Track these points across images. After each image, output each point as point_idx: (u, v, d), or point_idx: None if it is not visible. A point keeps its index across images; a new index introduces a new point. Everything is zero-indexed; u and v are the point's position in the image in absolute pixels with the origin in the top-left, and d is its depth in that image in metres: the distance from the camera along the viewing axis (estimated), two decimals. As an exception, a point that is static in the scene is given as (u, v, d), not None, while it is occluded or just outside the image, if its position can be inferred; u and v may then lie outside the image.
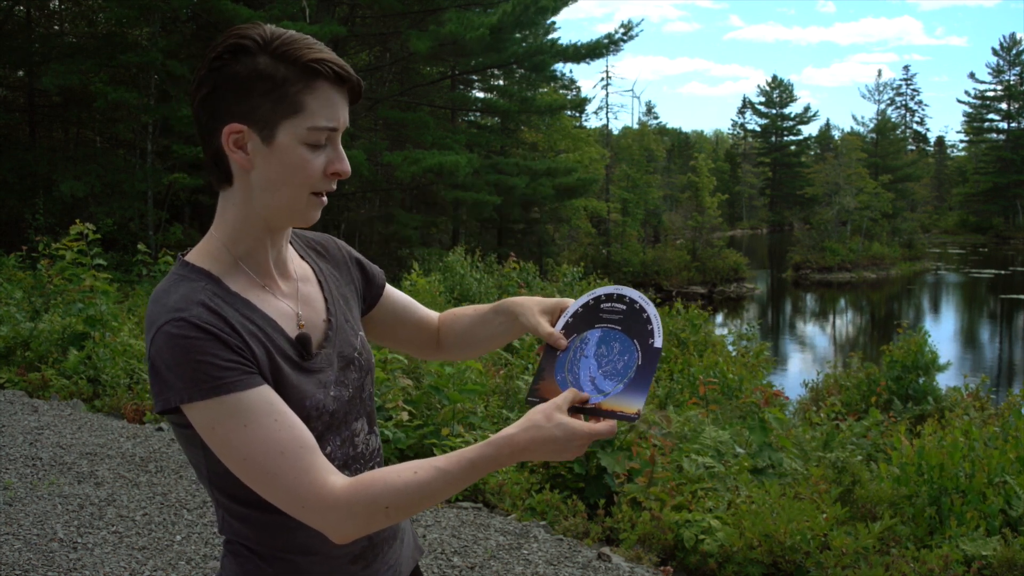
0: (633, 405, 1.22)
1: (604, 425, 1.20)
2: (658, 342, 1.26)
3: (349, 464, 1.34)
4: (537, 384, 1.34)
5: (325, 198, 1.26)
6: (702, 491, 4.37)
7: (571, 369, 1.31)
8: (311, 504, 1.14)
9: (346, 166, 1.23)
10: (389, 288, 1.54)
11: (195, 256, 1.25)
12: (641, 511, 4.26)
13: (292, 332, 1.26)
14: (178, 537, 4.09)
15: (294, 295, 1.31)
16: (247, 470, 1.14)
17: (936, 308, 30.21)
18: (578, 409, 1.24)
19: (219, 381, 1.11)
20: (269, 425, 1.13)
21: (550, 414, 1.19)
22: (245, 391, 1.13)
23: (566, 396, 1.23)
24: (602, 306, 1.35)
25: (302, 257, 1.38)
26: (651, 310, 1.30)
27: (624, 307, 1.32)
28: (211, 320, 1.14)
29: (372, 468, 1.39)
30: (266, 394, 1.15)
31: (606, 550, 4.04)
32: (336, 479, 1.16)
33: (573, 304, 1.38)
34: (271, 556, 1.27)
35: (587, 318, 1.35)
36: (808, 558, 3.81)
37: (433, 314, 1.61)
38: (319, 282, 1.36)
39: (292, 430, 1.15)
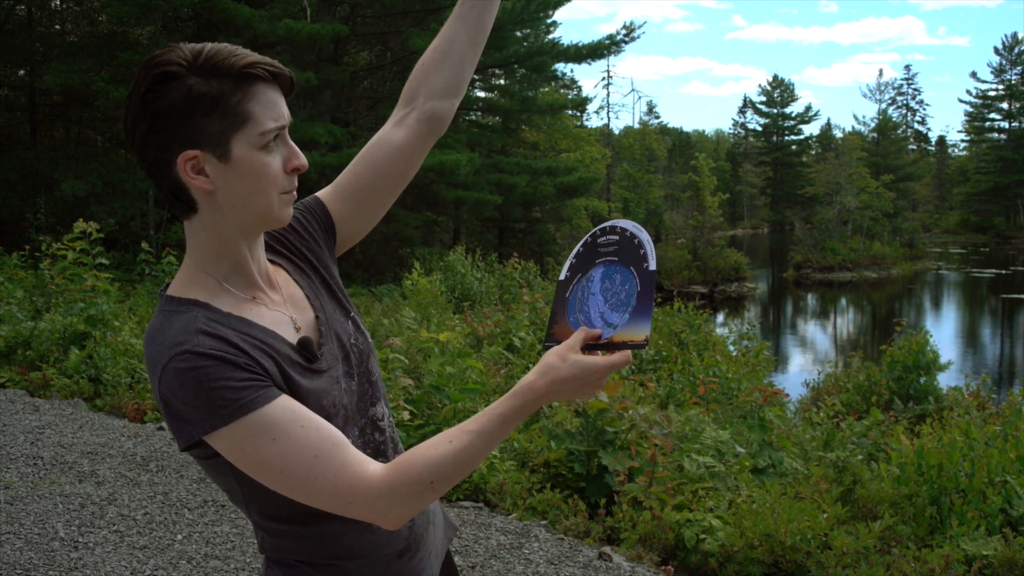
0: (640, 332, 1.24)
1: (619, 356, 1.21)
2: (652, 265, 1.28)
3: (383, 450, 1.35)
4: (552, 329, 1.36)
5: (294, 194, 1.25)
6: (703, 491, 4.37)
7: (581, 309, 1.33)
8: (357, 498, 1.14)
9: (303, 160, 1.22)
10: (330, 192, 1.47)
11: (177, 288, 1.22)
12: (642, 511, 4.26)
13: (292, 338, 1.25)
14: (179, 536, 4.10)
15: (283, 301, 1.30)
16: (286, 481, 1.14)
17: (937, 308, 30.19)
18: (593, 346, 1.26)
19: (238, 403, 1.10)
20: (297, 433, 1.13)
21: (564, 355, 1.21)
22: (265, 406, 1.12)
23: (577, 336, 1.24)
24: (599, 241, 1.36)
25: (270, 260, 1.36)
26: (643, 236, 1.31)
27: (617, 237, 1.34)
28: (215, 345, 1.12)
29: (398, 447, 1.41)
30: (286, 403, 1.15)
31: (607, 549, 4.04)
32: (374, 468, 1.16)
33: (575, 246, 1.40)
34: (319, 563, 1.28)
35: (589, 256, 1.36)
36: (809, 558, 3.81)
37: (392, 125, 1.50)
38: (294, 280, 1.35)
39: (320, 431, 1.15)
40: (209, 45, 1.18)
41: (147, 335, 1.18)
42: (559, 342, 1.31)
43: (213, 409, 1.10)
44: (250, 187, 1.19)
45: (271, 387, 1.14)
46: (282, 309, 1.28)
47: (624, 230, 1.33)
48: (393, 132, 1.48)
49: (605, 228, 1.36)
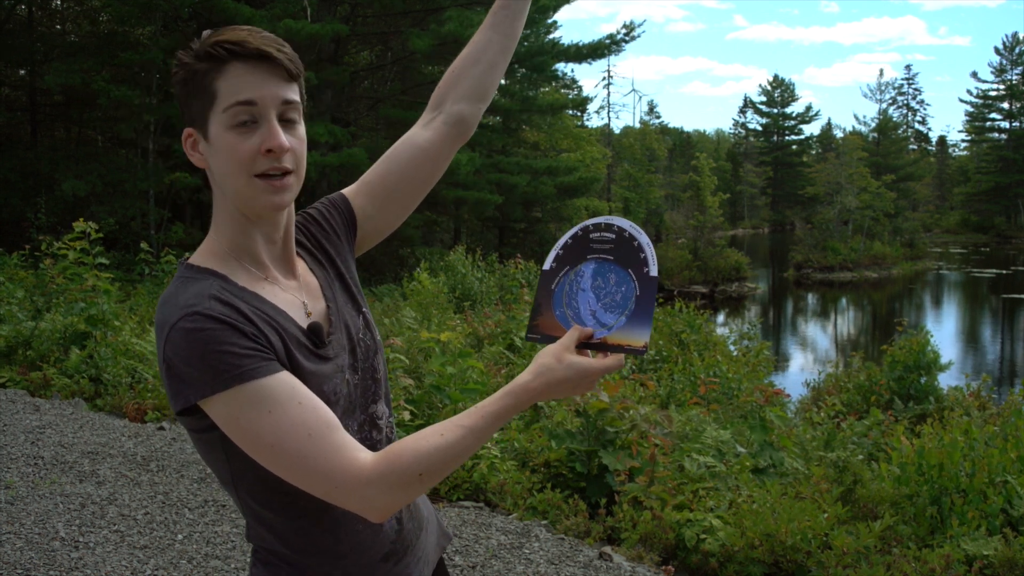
0: (640, 338, 1.23)
1: (612, 359, 1.22)
2: (653, 270, 1.26)
3: (378, 449, 1.33)
4: (535, 320, 1.33)
5: (282, 180, 1.21)
6: (703, 490, 4.36)
7: (569, 303, 1.30)
8: (345, 483, 1.13)
9: (277, 140, 1.18)
10: (354, 189, 1.48)
11: (197, 258, 1.25)
12: (642, 510, 4.26)
13: (303, 322, 1.26)
14: (179, 536, 4.10)
15: (298, 286, 1.31)
16: (276, 456, 1.13)
17: (938, 308, 30.18)
18: (585, 345, 1.25)
19: (239, 370, 1.11)
20: (293, 409, 1.13)
21: (560, 355, 1.21)
22: (265, 377, 1.12)
23: (572, 335, 1.24)
24: (591, 236, 1.33)
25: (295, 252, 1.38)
26: (642, 238, 1.28)
27: (613, 236, 1.31)
28: (225, 311, 1.13)
29: None
30: (287, 379, 1.15)
31: (607, 549, 4.04)
32: (365, 455, 1.16)
33: (563, 237, 1.36)
34: (301, 564, 1.27)
35: (578, 250, 1.33)
36: (809, 557, 3.81)
37: (419, 127, 1.51)
38: (311, 270, 1.37)
39: (317, 411, 1.15)
40: (221, 28, 1.21)
41: (161, 299, 1.19)
42: (542, 334, 1.30)
43: (214, 372, 1.10)
44: (223, 167, 1.21)
45: (274, 360, 1.15)
46: (296, 293, 1.29)
47: (622, 230, 1.31)
48: (419, 134, 1.50)
49: (600, 224, 1.33)
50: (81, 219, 8.18)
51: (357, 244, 1.47)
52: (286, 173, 1.21)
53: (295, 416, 1.13)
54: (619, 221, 1.32)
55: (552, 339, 1.29)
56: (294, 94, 1.22)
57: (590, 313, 1.27)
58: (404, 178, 1.47)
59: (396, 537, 1.35)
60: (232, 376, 1.10)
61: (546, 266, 1.35)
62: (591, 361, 1.21)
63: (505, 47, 1.53)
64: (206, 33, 1.21)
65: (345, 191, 1.48)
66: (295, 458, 1.12)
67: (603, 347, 1.24)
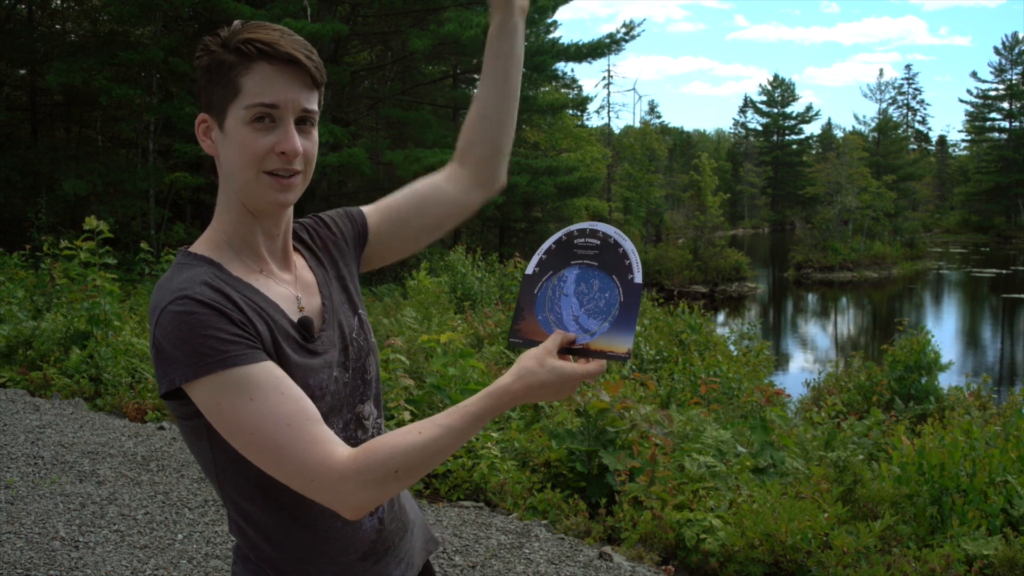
0: (622, 344, 1.22)
1: (594, 365, 1.22)
2: (638, 278, 1.25)
3: None
4: (517, 325, 1.33)
5: (289, 180, 1.24)
6: (703, 490, 4.36)
7: (552, 308, 1.30)
8: (321, 476, 1.13)
9: (292, 144, 1.22)
10: (372, 207, 1.51)
11: (196, 247, 1.28)
12: (643, 510, 4.26)
13: (294, 315, 1.27)
14: (180, 536, 4.10)
15: (294, 281, 1.32)
16: (254, 444, 1.13)
17: (938, 307, 30.17)
18: (567, 350, 1.25)
19: (224, 355, 1.12)
20: (275, 399, 1.13)
21: (542, 359, 1.21)
22: (249, 365, 1.13)
23: (554, 339, 1.24)
24: (576, 242, 1.32)
25: (293, 247, 1.39)
26: (627, 245, 1.28)
27: (598, 242, 1.30)
28: (214, 296, 1.15)
29: None
30: (271, 368, 1.16)
31: (607, 549, 4.04)
32: (343, 450, 1.16)
33: (546, 242, 1.35)
34: (279, 560, 1.28)
35: (562, 255, 1.33)
36: (809, 557, 3.81)
37: (446, 175, 1.54)
38: (310, 267, 1.38)
39: (298, 403, 1.15)
40: (254, 22, 1.24)
41: (157, 284, 1.22)
42: (524, 338, 1.30)
43: (199, 355, 1.11)
44: (234, 159, 1.23)
45: (259, 349, 1.16)
46: (290, 288, 1.31)
47: (607, 236, 1.30)
48: (449, 185, 1.53)
49: (584, 230, 1.33)
50: (91, 217, 8.14)
51: (364, 259, 1.49)
52: (294, 173, 1.25)
53: (276, 406, 1.13)
54: (604, 227, 1.31)
55: (534, 343, 1.29)
56: (314, 103, 1.26)
57: (572, 319, 1.27)
58: (420, 213, 1.50)
59: (376, 536, 1.35)
60: (216, 361, 1.11)
61: (529, 270, 1.35)
62: (572, 366, 1.21)
63: (504, 94, 1.53)
64: (237, 23, 1.23)
65: (364, 208, 1.51)
66: (272, 447, 1.13)
67: (585, 353, 1.24)
